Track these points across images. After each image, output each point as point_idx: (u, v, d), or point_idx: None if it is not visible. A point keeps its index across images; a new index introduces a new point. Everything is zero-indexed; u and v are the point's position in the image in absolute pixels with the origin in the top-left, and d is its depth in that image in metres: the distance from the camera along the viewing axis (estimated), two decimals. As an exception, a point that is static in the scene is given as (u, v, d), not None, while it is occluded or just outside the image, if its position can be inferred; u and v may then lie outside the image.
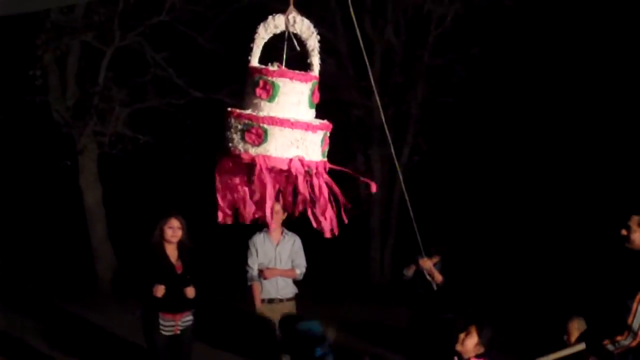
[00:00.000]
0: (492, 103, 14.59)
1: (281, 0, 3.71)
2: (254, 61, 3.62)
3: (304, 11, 3.59)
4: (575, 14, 13.37)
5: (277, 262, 7.34)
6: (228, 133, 3.57)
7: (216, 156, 3.68)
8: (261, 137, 3.50)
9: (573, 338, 5.81)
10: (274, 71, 3.53)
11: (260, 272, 7.27)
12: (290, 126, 3.52)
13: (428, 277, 7.24)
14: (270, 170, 3.58)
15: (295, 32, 3.56)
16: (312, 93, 3.64)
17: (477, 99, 14.12)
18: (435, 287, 7.24)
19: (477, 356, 4.61)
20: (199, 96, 12.42)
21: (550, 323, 6.26)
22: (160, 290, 6.56)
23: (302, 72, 3.59)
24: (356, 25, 4.14)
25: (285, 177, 3.73)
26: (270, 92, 3.53)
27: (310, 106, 3.63)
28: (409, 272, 7.41)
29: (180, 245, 6.82)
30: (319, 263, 8.39)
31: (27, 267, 12.82)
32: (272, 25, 3.57)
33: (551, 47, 14.16)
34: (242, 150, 3.53)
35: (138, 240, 7.40)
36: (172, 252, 6.79)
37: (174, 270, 6.76)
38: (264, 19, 3.59)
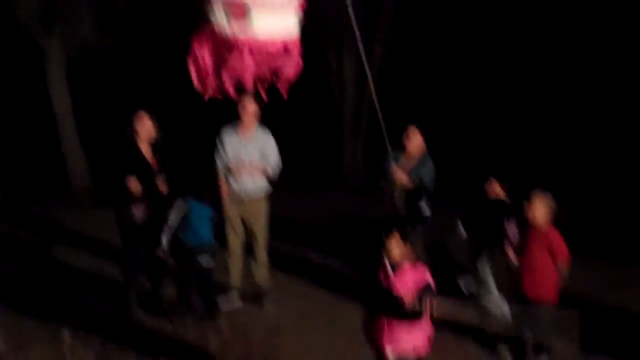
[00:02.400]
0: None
1: None
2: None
3: None
4: None
5: (245, 156, 7.18)
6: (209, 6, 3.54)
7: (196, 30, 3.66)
8: (245, 12, 3.48)
9: (537, 212, 5.95)
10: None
11: (229, 168, 7.27)
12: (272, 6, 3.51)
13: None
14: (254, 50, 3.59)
15: None
16: None
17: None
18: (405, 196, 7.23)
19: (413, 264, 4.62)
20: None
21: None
22: (135, 185, 6.64)
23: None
24: None
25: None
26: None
27: None
28: (384, 182, 7.33)
29: (154, 143, 6.88)
30: (292, 159, 8.43)
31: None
32: None
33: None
34: (225, 25, 3.51)
35: (110, 141, 7.39)
36: (146, 149, 6.86)
37: (150, 166, 6.81)
38: None
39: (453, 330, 6.52)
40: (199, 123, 12.05)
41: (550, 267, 5.93)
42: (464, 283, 7.44)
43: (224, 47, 3.67)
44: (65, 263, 8.59)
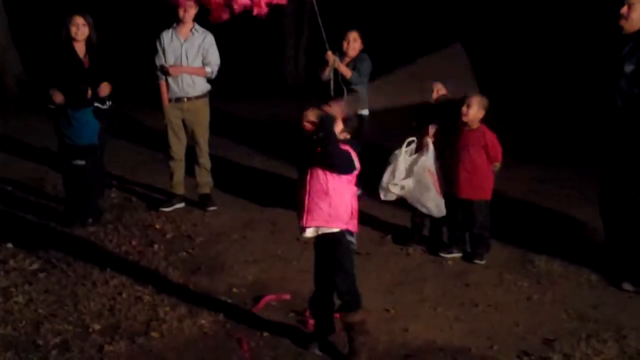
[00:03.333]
0: None
1: None
2: None
3: None
4: None
5: (184, 59, 7.13)
6: None
7: None
8: None
9: (472, 111, 6.06)
10: None
11: (166, 70, 7.15)
12: None
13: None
14: None
15: None
16: None
17: None
18: (345, 91, 7.20)
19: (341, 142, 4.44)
20: None
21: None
22: (58, 97, 6.59)
23: None
24: None
25: None
26: None
27: None
28: (325, 73, 7.34)
29: (88, 42, 6.78)
30: (234, 63, 8.36)
31: None
32: None
33: None
34: None
35: (44, 41, 7.21)
36: (80, 49, 6.74)
37: (82, 65, 6.70)
38: None
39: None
40: (140, 24, 11.82)
41: (486, 166, 6.13)
42: None
43: None
44: (5, 172, 8.46)
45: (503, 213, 7.02)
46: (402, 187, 6.06)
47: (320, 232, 4.51)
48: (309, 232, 4.53)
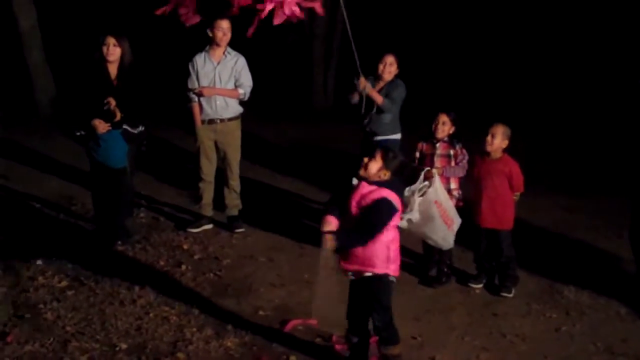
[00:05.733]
0: None
1: None
2: None
3: None
4: None
5: (217, 81, 7.19)
6: None
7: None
8: None
9: (497, 141, 6.04)
10: None
11: (200, 92, 7.18)
12: None
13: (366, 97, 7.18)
14: None
15: None
16: None
17: None
18: (374, 109, 7.22)
19: (379, 183, 4.47)
20: None
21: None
22: (102, 126, 6.61)
23: None
24: None
25: None
26: None
27: None
28: (354, 98, 7.32)
29: (121, 64, 6.78)
30: (264, 85, 8.40)
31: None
32: None
33: None
34: None
35: (77, 61, 7.28)
36: (112, 70, 6.77)
37: (111, 86, 6.71)
38: None
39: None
40: (173, 43, 11.91)
41: (509, 196, 6.11)
42: None
43: None
44: (36, 190, 8.51)
45: (531, 242, 6.99)
46: (410, 220, 5.82)
47: (362, 276, 4.53)
48: (351, 275, 4.58)
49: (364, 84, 7.10)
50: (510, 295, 6.08)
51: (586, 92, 13.01)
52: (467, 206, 6.23)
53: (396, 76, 7.28)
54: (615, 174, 8.62)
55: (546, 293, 6.14)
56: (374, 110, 7.19)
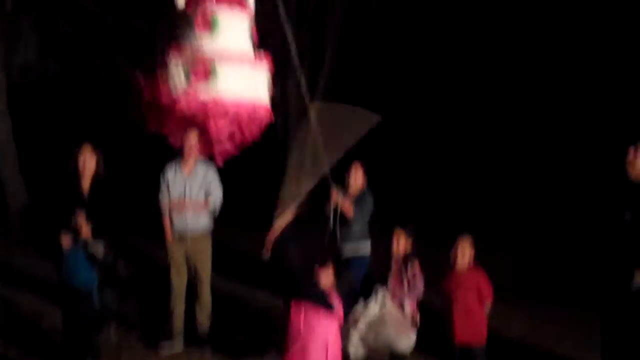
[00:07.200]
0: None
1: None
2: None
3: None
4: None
5: (187, 193, 7.20)
6: (169, 71, 3.51)
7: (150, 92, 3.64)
8: (209, 73, 3.46)
9: (463, 256, 6.11)
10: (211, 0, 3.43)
11: (172, 206, 7.22)
12: (239, 61, 3.45)
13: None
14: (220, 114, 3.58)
15: None
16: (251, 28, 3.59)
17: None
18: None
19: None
20: (110, 23, 12.06)
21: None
22: (66, 241, 6.58)
23: None
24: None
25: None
26: (210, 25, 3.44)
27: (251, 39, 3.58)
28: (329, 208, 7.31)
29: (94, 176, 6.82)
30: (237, 193, 8.40)
31: None
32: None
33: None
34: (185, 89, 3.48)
35: (50, 173, 7.30)
36: (85, 183, 6.80)
37: (81, 198, 6.72)
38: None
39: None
40: (144, 153, 11.96)
41: (481, 309, 6.15)
42: None
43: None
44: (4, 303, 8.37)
45: (502, 354, 6.95)
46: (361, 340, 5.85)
47: None
48: None
49: (336, 195, 7.17)
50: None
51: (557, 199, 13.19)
52: (440, 321, 6.22)
53: (365, 187, 7.39)
54: (586, 283, 8.67)
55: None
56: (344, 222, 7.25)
